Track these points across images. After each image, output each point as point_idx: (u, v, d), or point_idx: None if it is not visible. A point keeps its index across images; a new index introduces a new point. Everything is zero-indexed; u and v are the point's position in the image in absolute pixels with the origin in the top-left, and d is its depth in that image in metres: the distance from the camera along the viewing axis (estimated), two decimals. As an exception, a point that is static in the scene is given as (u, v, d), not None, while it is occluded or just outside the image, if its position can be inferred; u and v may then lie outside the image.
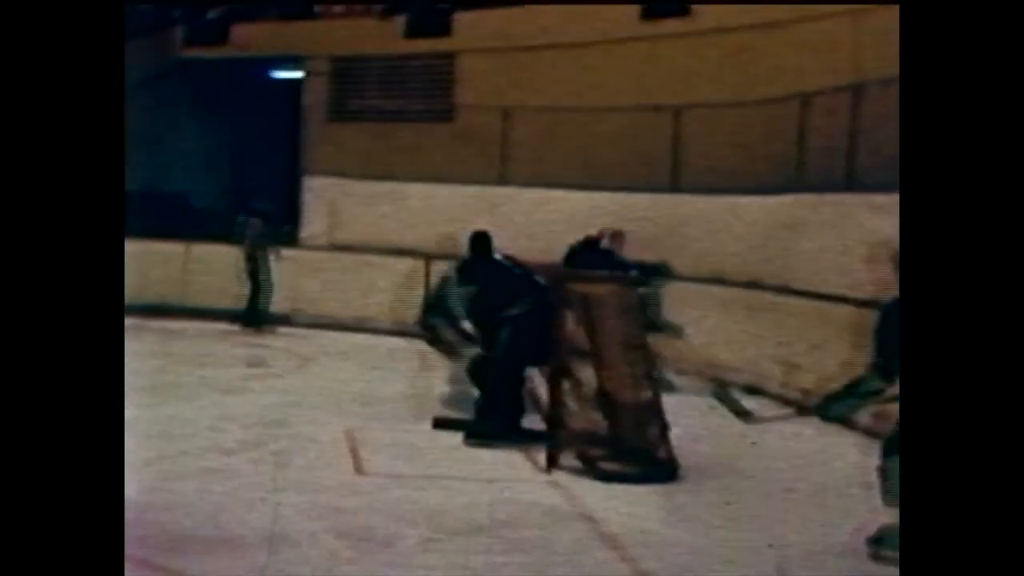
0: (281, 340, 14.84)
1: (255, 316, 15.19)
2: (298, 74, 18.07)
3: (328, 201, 17.11)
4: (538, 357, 8.59)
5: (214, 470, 7.80)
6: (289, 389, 11.26)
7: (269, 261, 15.21)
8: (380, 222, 16.49)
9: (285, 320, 15.73)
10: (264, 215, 15.34)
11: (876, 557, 6.14)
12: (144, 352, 12.15)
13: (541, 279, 9.06)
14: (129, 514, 6.51)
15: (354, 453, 8.46)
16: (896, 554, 5.45)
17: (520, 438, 8.54)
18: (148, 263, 14.91)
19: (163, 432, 8.67)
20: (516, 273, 9.28)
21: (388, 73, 17.28)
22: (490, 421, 8.72)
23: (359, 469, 8.08)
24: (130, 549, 5.90)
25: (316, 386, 11.57)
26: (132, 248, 14.84)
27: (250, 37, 18.00)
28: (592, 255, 11.38)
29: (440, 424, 7.72)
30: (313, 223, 17.17)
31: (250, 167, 18.76)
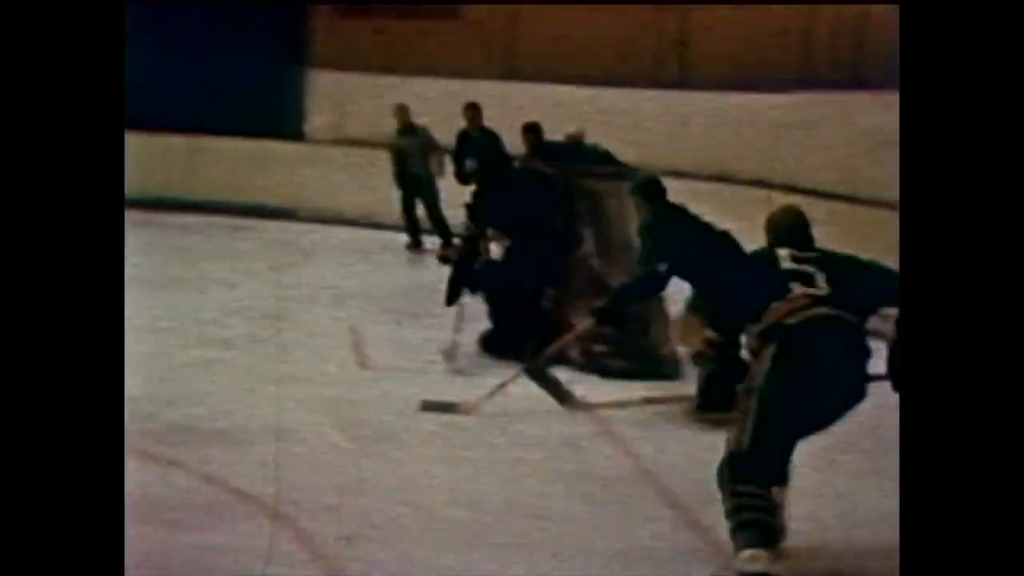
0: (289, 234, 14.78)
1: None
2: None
3: (334, 95, 17.03)
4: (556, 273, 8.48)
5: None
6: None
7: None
8: (387, 117, 16.40)
9: (290, 215, 15.66)
10: None
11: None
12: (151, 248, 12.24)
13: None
14: (131, 406, 6.65)
15: (356, 348, 8.49)
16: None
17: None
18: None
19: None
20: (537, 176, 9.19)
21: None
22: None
23: (362, 363, 8.12)
24: (131, 441, 6.04)
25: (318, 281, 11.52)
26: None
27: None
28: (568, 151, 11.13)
29: (429, 407, 7.19)
30: (319, 116, 17.09)
31: (255, 59, 18.59)
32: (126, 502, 5.26)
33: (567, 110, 13.97)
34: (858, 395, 4.79)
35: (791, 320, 4.83)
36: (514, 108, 13.45)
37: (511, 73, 15.85)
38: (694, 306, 7.60)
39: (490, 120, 12.01)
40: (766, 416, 4.75)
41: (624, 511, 5.57)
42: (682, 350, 7.99)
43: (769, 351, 4.83)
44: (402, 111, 13.30)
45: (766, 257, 5.17)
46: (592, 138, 10.97)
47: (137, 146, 15.59)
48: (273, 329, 8.90)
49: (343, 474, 5.88)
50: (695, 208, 7.57)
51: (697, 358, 7.38)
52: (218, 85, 16.75)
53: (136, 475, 5.68)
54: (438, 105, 13.76)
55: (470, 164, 10.99)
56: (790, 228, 5.20)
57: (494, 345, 8.35)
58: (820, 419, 4.88)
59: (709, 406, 6.83)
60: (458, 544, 5.13)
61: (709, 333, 6.11)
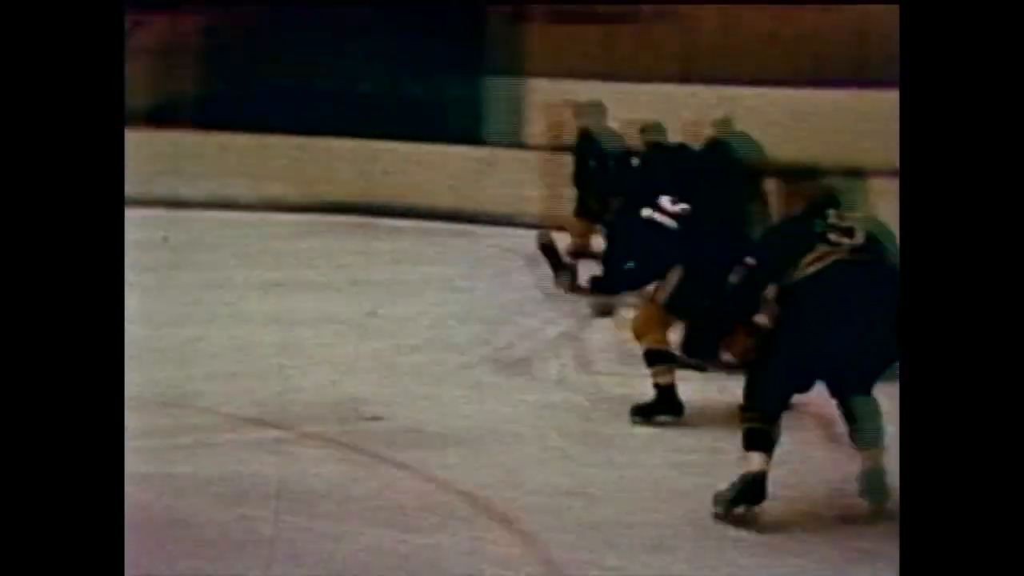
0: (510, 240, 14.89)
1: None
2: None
3: (511, 99, 17.15)
4: None
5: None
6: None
7: None
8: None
9: (509, 221, 15.77)
10: None
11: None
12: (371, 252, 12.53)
13: None
14: (356, 407, 6.79)
15: (578, 351, 8.50)
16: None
17: None
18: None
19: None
20: None
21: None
22: None
23: (583, 366, 8.13)
24: (360, 443, 6.19)
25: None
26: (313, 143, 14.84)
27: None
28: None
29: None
30: (497, 121, 17.22)
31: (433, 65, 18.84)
32: (357, 506, 5.42)
33: (750, 112, 13.76)
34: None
35: (810, 269, 5.28)
36: (697, 110, 13.31)
37: (691, 76, 15.68)
38: (671, 304, 6.90)
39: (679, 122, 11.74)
40: (775, 353, 5.34)
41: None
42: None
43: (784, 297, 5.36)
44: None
45: (803, 219, 5.52)
46: (779, 140, 10.77)
47: (357, 152, 16.07)
48: (495, 333, 8.98)
49: (569, 476, 5.90)
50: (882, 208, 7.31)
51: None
52: (436, 93, 17.06)
53: (367, 478, 5.84)
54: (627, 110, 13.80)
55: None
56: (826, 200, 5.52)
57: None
58: (841, 359, 5.27)
59: (693, 352, 7.22)
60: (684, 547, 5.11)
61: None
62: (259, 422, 6.65)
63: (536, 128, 16.88)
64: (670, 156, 10.34)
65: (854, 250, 5.31)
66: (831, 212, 5.44)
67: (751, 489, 5.27)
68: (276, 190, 15.46)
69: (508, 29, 17.84)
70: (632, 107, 12.40)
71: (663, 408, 6.71)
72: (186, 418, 6.72)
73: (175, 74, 18.27)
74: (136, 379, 7.13)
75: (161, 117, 17.30)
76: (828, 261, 5.29)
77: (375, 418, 6.73)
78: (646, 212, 6.88)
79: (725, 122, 11.08)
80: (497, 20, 18.01)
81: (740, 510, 5.28)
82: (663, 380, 6.73)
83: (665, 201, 6.92)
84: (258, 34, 18.99)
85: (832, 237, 5.33)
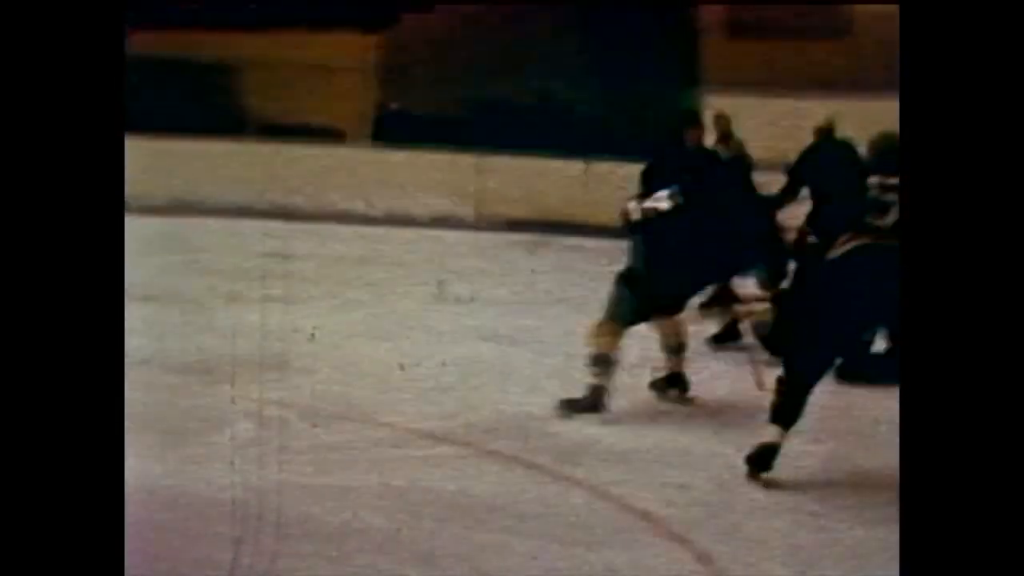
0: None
1: None
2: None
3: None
4: None
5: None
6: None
7: None
8: (777, 140, 16.27)
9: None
10: None
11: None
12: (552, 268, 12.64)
13: None
14: (528, 423, 6.84)
15: (756, 370, 8.44)
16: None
17: None
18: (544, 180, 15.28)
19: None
20: None
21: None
22: None
23: (761, 385, 8.07)
24: (528, 457, 6.23)
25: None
26: (516, 163, 15.03)
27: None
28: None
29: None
30: (709, 138, 17.08)
31: (643, 83, 18.85)
32: (523, 524, 5.48)
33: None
34: None
35: (839, 251, 5.80)
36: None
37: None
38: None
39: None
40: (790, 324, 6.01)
41: None
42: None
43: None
44: (722, 122, 13.06)
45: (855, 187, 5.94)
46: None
47: (532, 168, 16.11)
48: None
49: (743, 497, 5.89)
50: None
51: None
52: (615, 109, 17.08)
53: (531, 491, 5.90)
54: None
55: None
56: (885, 152, 5.75)
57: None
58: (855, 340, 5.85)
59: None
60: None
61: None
62: (436, 437, 6.75)
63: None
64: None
65: (881, 234, 5.64)
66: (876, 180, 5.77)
67: (761, 458, 5.84)
68: (445, 206, 15.63)
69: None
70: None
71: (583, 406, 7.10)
72: (366, 431, 6.86)
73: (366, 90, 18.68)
74: (321, 392, 7.42)
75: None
76: (853, 244, 5.77)
77: (550, 433, 6.80)
78: None
79: (824, 129, 10.92)
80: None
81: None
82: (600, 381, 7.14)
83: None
84: (451, 47, 19.30)
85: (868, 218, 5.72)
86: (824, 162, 10.08)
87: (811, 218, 8.48)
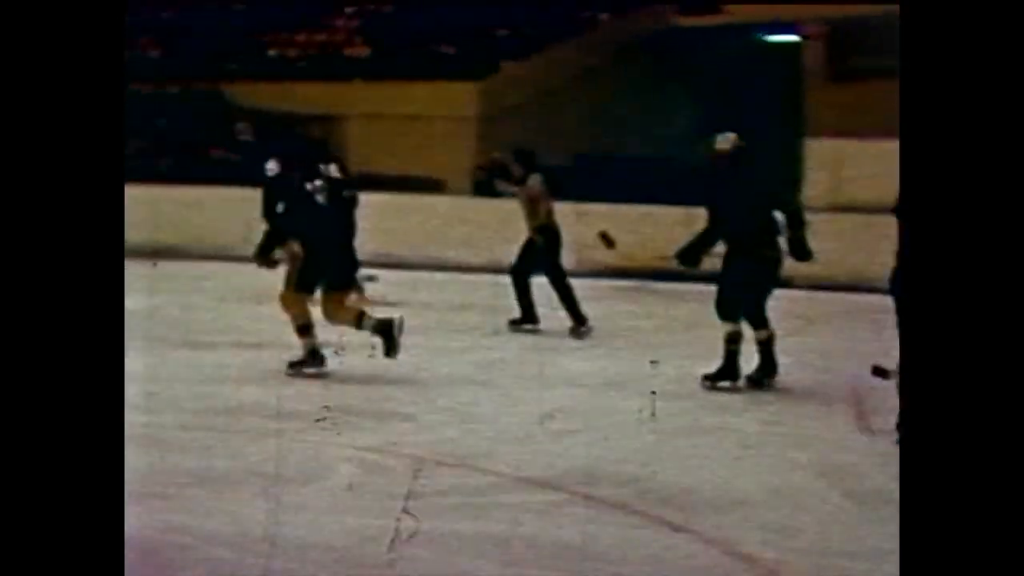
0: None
1: None
2: (793, 38, 18.10)
3: (830, 162, 16.98)
4: None
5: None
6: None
7: None
8: (883, 182, 16.12)
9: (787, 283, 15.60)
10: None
11: None
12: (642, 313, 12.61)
13: None
14: (618, 468, 6.82)
15: (858, 410, 8.37)
16: None
17: None
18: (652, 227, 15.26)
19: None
20: None
21: (885, 32, 16.95)
22: None
23: (865, 427, 8.00)
24: (623, 501, 6.20)
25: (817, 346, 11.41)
26: (629, 211, 15.19)
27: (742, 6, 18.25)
28: None
29: None
30: (815, 184, 17.05)
31: (746, 130, 18.88)
32: (630, 569, 5.45)
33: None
34: None
35: None
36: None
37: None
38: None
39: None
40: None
41: None
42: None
43: None
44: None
45: None
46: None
47: (631, 216, 16.14)
48: (773, 395, 8.95)
49: (849, 539, 5.82)
50: None
51: None
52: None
53: (647, 540, 5.87)
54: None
55: None
56: None
57: None
58: None
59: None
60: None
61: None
62: (536, 483, 6.75)
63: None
64: None
65: None
66: None
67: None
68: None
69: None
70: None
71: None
72: (468, 478, 6.88)
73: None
74: (426, 440, 7.46)
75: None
76: None
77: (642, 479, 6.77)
78: None
79: None
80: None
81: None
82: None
83: None
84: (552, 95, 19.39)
85: None
86: None
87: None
